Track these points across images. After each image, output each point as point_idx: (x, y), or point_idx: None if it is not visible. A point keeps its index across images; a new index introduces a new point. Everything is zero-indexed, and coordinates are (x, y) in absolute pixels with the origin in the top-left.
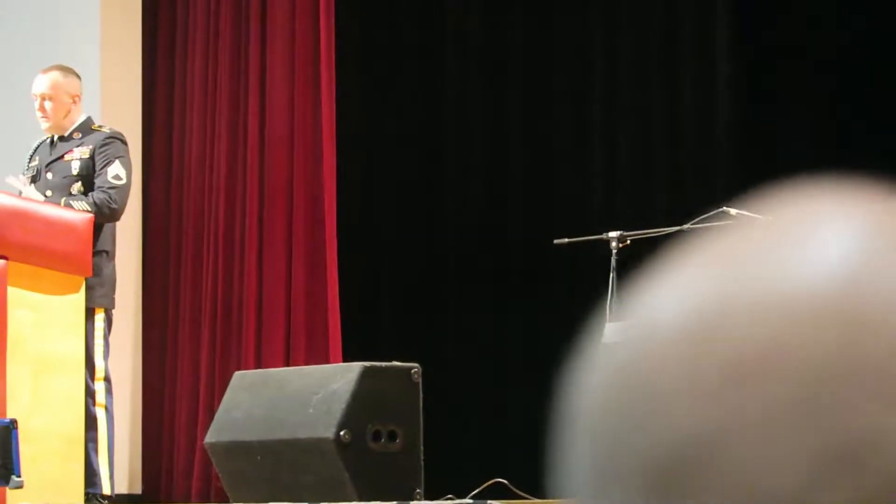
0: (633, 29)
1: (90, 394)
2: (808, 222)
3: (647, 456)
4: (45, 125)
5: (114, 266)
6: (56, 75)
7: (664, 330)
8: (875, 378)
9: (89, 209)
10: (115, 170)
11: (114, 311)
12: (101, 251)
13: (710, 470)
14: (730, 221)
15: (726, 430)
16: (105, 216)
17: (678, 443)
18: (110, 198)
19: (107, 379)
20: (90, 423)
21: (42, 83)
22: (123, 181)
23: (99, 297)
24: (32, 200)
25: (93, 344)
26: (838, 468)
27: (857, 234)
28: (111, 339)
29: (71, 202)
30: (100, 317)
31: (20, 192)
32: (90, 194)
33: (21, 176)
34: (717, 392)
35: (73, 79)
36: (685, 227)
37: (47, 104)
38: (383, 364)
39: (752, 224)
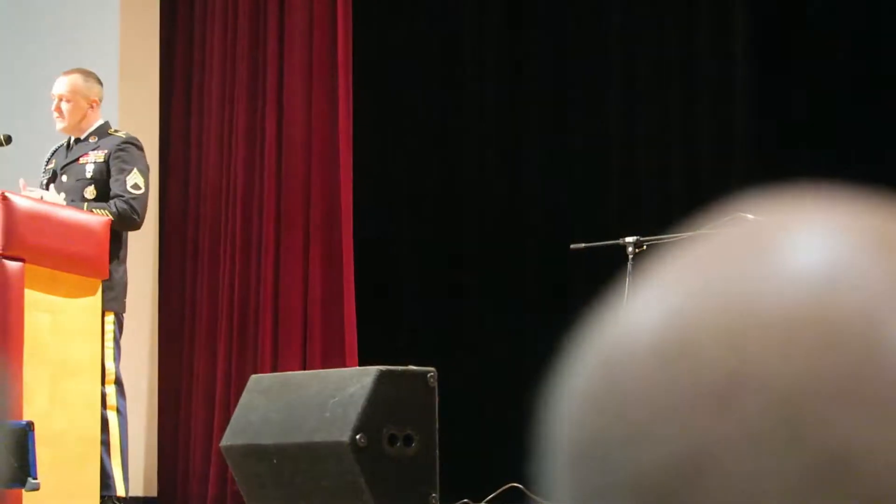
0: (650, 33)
1: (101, 397)
2: (780, 233)
3: (631, 476)
4: (60, 125)
5: (125, 269)
6: (76, 78)
7: (641, 350)
8: (850, 390)
9: (112, 219)
10: (133, 178)
11: (125, 315)
12: (112, 255)
13: (695, 489)
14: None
15: (709, 449)
16: (126, 225)
17: (662, 463)
18: (132, 208)
19: (118, 382)
20: (102, 425)
21: (61, 84)
22: (142, 190)
23: (109, 300)
24: (50, 203)
25: (104, 348)
26: (821, 482)
27: (829, 245)
28: (123, 342)
29: (93, 209)
30: (109, 319)
31: (41, 197)
32: (111, 203)
33: (28, 181)
34: (697, 411)
35: (93, 83)
36: (701, 232)
37: (64, 105)
38: (399, 368)
39: (724, 234)
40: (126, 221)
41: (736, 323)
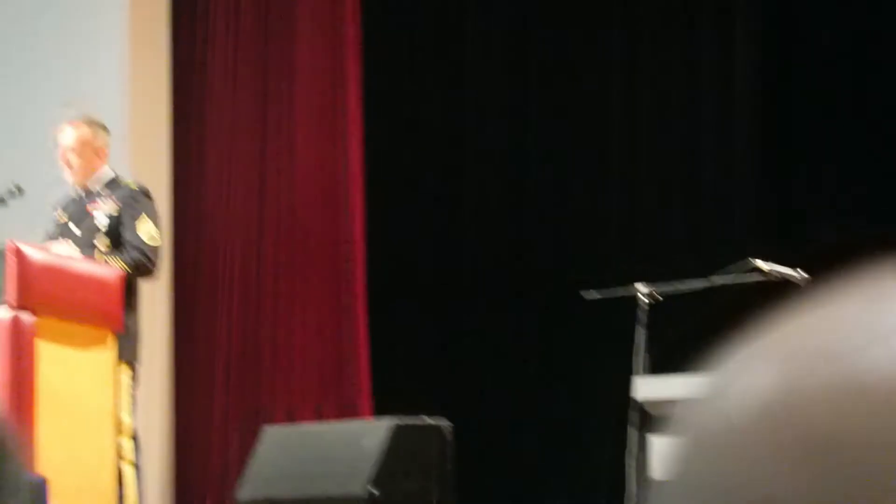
0: (653, 73)
1: (117, 449)
2: (879, 305)
3: None
4: (68, 176)
5: (137, 319)
6: (83, 130)
7: (747, 406)
8: None
9: (128, 269)
10: (146, 227)
11: (139, 365)
12: (126, 304)
13: None
14: (757, 276)
15: (801, 498)
16: (142, 274)
17: None
18: (147, 257)
19: (134, 435)
20: (118, 478)
21: (68, 136)
22: (156, 238)
23: (124, 351)
24: (64, 256)
25: (119, 399)
26: None
27: None
28: (137, 392)
29: (108, 260)
30: (125, 371)
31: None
32: (126, 252)
33: (35, 229)
34: (792, 463)
35: (98, 131)
36: (713, 280)
37: (72, 157)
38: (414, 421)
39: (823, 300)
40: (142, 270)
41: (835, 390)
